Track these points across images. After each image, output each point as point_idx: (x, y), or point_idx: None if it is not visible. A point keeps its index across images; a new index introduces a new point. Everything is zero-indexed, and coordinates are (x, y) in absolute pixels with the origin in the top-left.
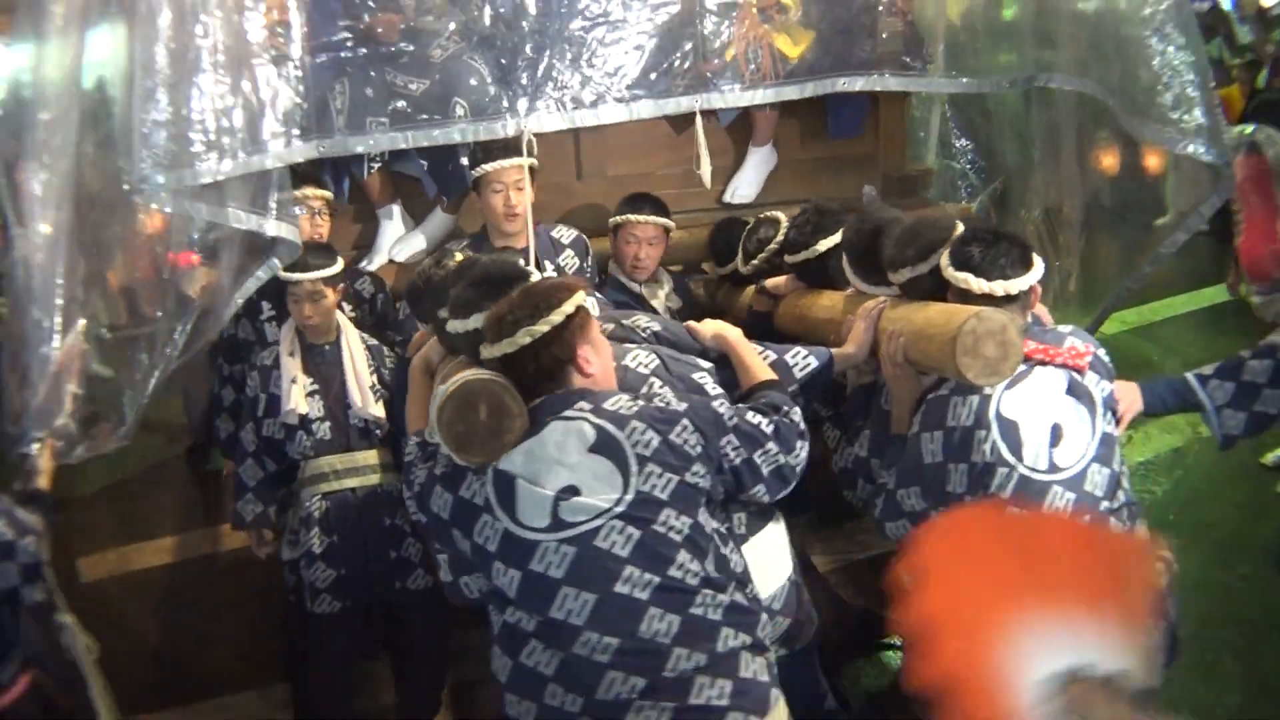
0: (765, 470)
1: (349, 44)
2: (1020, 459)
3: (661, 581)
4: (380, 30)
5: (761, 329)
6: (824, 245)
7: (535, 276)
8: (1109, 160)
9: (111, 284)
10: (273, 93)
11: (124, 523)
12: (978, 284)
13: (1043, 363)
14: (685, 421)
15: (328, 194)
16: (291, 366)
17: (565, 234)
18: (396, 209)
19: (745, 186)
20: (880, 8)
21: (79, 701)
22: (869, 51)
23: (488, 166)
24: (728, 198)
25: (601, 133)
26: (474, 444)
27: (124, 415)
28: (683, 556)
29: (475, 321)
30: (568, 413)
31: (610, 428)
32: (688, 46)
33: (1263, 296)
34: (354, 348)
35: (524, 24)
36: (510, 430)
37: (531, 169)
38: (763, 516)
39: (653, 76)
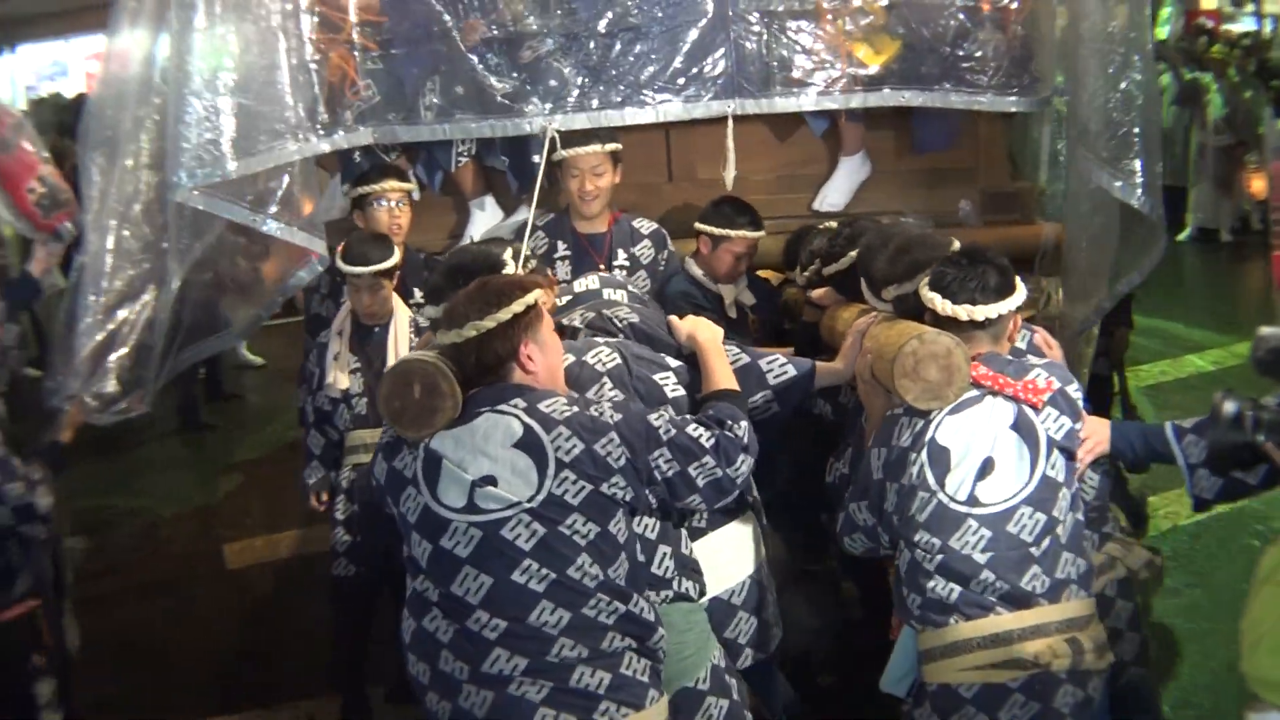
0: (701, 482)
1: (440, 41)
2: (942, 486)
3: (558, 578)
4: (471, 30)
5: (810, 339)
6: (852, 259)
7: (509, 269)
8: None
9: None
10: (302, 92)
11: (270, 509)
12: (943, 305)
13: (994, 392)
14: (613, 434)
15: (407, 186)
16: (336, 344)
17: (645, 225)
18: (489, 200)
19: (834, 195)
20: (980, 18)
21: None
22: (956, 64)
23: (565, 152)
24: (817, 205)
25: (692, 136)
26: (406, 419)
27: (147, 382)
28: (583, 559)
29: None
30: (501, 406)
31: (537, 428)
32: (719, 52)
33: None
34: (400, 330)
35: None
36: (440, 411)
37: (615, 155)
38: (726, 515)
39: (680, 81)
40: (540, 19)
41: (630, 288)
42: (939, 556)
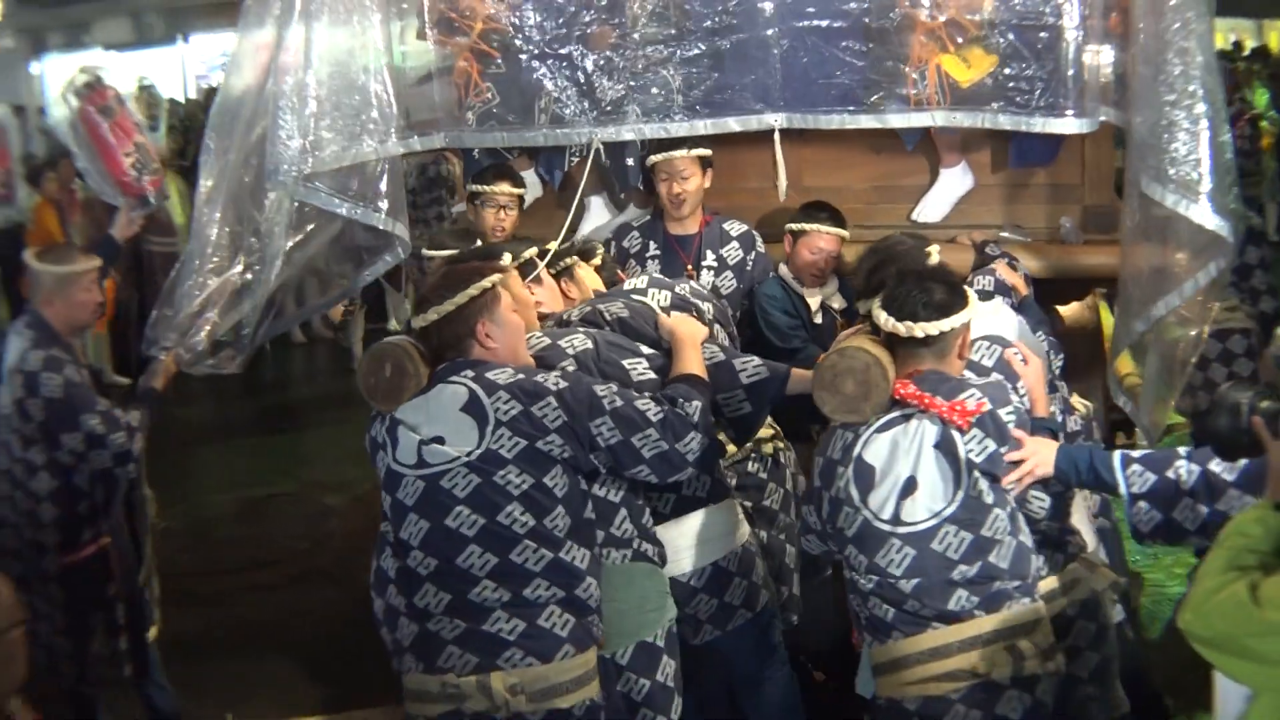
0: (647, 454)
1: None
2: (865, 503)
3: (487, 524)
4: (596, 39)
5: None
6: None
7: (505, 259)
8: None
9: None
10: (386, 96)
11: None
12: (885, 321)
13: (922, 411)
14: (551, 399)
15: (517, 191)
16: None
17: (735, 227)
18: (597, 199)
19: (931, 207)
20: (1029, 38)
21: (129, 568)
22: (1004, 85)
23: (656, 157)
24: (914, 216)
25: (800, 147)
26: (379, 395)
27: (242, 348)
28: (513, 507)
29: None
30: (454, 377)
31: (481, 392)
32: (761, 69)
33: None
34: None
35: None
36: (405, 388)
37: (703, 160)
38: (694, 503)
39: (719, 96)
40: (658, 27)
41: (680, 288)
42: (873, 578)
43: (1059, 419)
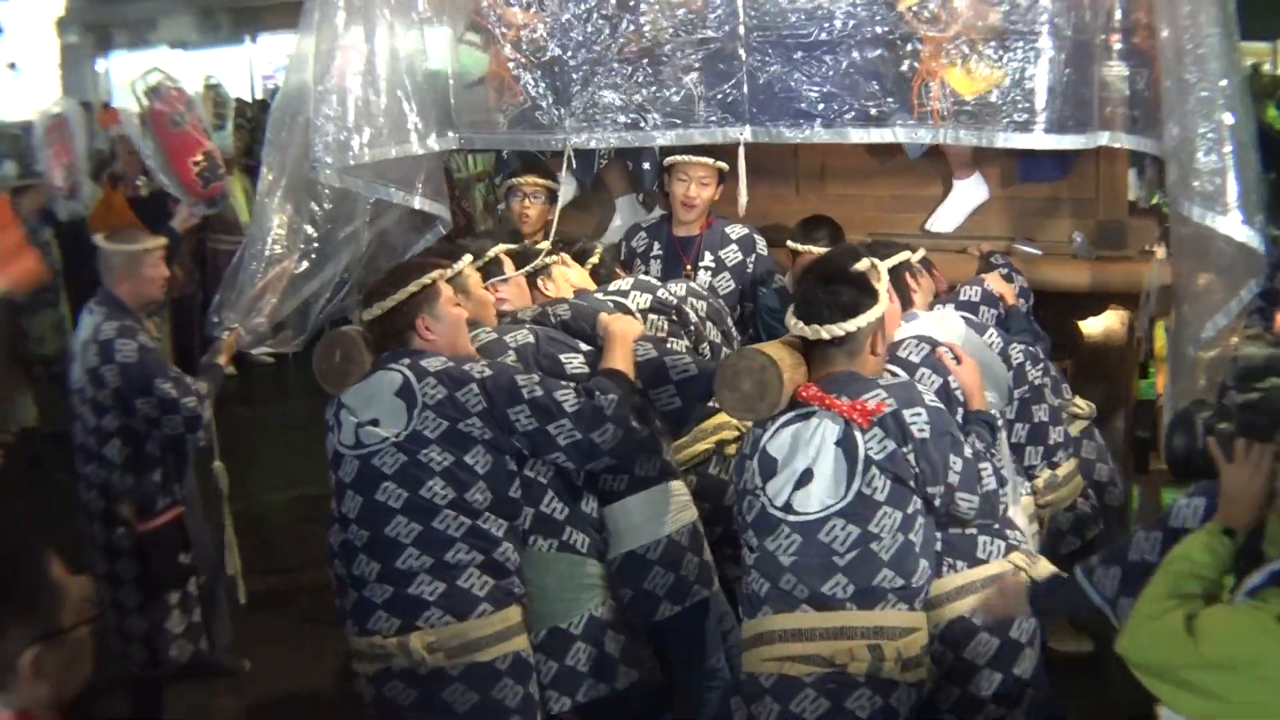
0: (562, 442)
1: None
2: (764, 490)
3: (410, 497)
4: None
5: None
6: None
7: (465, 259)
8: None
9: None
10: (420, 95)
11: None
12: (793, 324)
13: (826, 409)
14: (473, 386)
15: (544, 182)
16: None
17: (736, 230)
18: (626, 200)
19: (944, 218)
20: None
21: (201, 539)
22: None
23: (677, 158)
24: (927, 226)
25: (819, 155)
26: (329, 379)
27: (302, 329)
28: (435, 482)
29: None
30: (392, 365)
31: (412, 378)
32: (732, 81)
33: None
34: None
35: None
36: (350, 374)
37: (720, 172)
38: (645, 482)
39: (698, 107)
40: (683, 33)
41: (671, 289)
42: (756, 555)
43: (1000, 417)
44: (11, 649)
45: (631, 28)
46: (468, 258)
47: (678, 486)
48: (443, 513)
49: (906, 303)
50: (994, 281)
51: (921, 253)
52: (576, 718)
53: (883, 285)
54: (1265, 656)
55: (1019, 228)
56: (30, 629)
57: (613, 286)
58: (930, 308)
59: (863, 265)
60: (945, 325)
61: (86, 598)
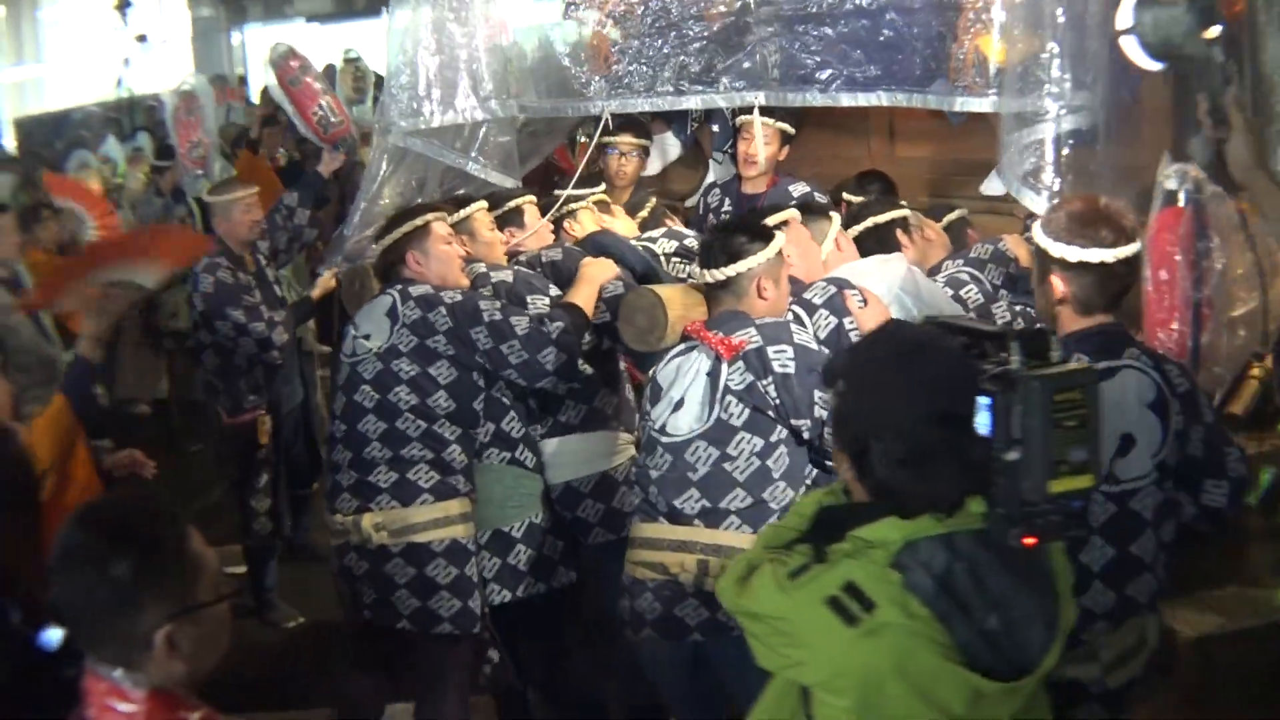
0: (513, 360)
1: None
2: (649, 414)
3: (381, 399)
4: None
5: None
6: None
7: (473, 207)
8: None
9: None
10: (479, 67)
11: None
12: (693, 269)
13: (702, 344)
14: (442, 308)
15: (637, 141)
16: None
17: (799, 188)
18: (718, 158)
19: (996, 181)
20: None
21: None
22: (943, 65)
23: (742, 119)
24: (982, 189)
25: (889, 118)
26: (350, 302)
27: None
28: (401, 389)
29: None
30: (389, 290)
31: (398, 301)
32: (745, 49)
33: None
34: None
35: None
36: (363, 298)
37: (784, 134)
38: (598, 422)
39: (711, 73)
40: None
41: (690, 241)
42: (638, 470)
43: None
44: (146, 625)
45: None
46: (478, 204)
47: (626, 436)
48: (404, 415)
49: None
50: (1012, 242)
51: (961, 212)
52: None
53: (783, 235)
54: (778, 610)
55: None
56: (167, 605)
57: (645, 234)
58: (936, 265)
59: (777, 217)
60: (879, 272)
61: (222, 575)
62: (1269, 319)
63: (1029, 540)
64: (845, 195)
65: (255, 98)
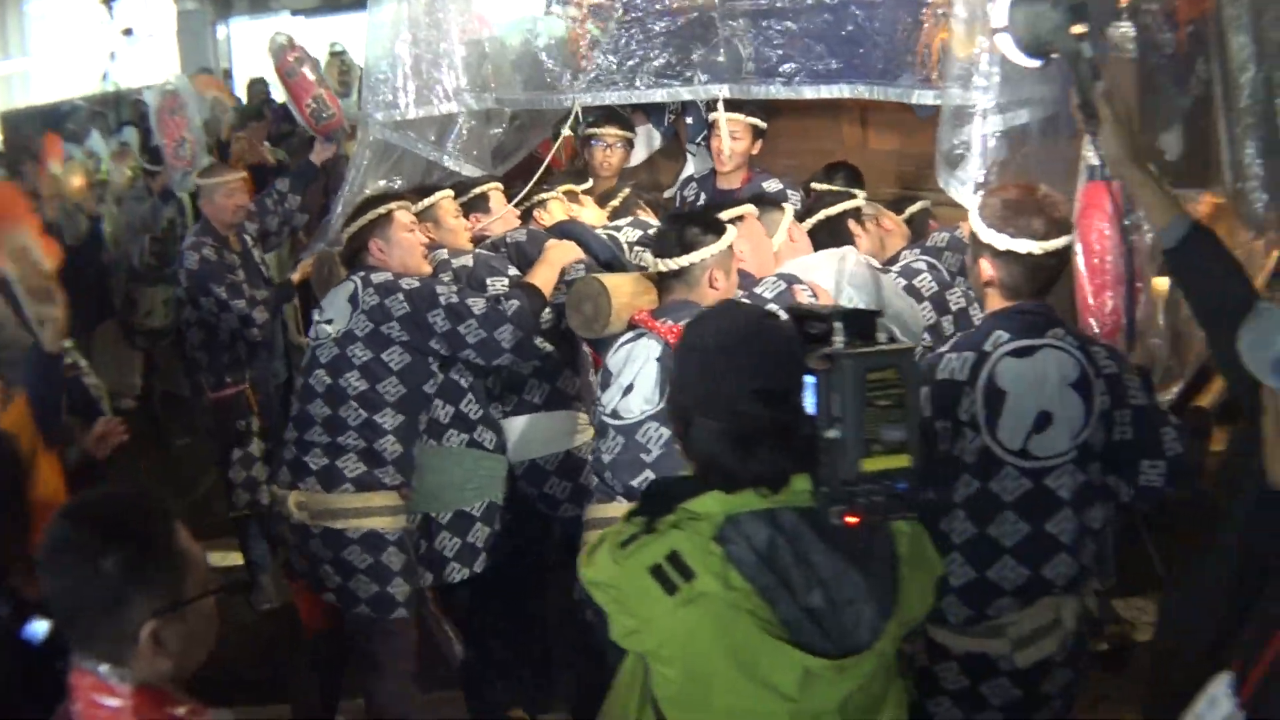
0: (470, 340)
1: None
2: (600, 399)
3: (331, 383)
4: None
5: None
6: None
7: (437, 195)
8: None
9: None
10: (457, 61)
11: None
12: (646, 259)
13: (650, 331)
14: (399, 295)
15: (621, 132)
16: None
17: (773, 184)
18: (693, 149)
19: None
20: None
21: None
22: (901, 59)
23: (713, 115)
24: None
25: (861, 111)
26: (318, 288)
27: None
28: (352, 374)
29: None
30: (352, 276)
31: (359, 286)
32: (711, 43)
33: None
34: None
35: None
36: (330, 284)
37: (755, 128)
38: (564, 401)
39: (678, 67)
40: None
41: (653, 230)
42: (593, 456)
43: None
44: (133, 621)
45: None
46: (442, 192)
47: (588, 417)
48: (349, 403)
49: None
50: (967, 229)
51: (924, 204)
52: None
53: (735, 229)
54: (611, 578)
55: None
56: (154, 600)
57: (612, 223)
58: (894, 254)
59: (732, 212)
60: (829, 266)
61: (208, 570)
62: None
63: (851, 519)
64: (813, 185)
65: (240, 91)
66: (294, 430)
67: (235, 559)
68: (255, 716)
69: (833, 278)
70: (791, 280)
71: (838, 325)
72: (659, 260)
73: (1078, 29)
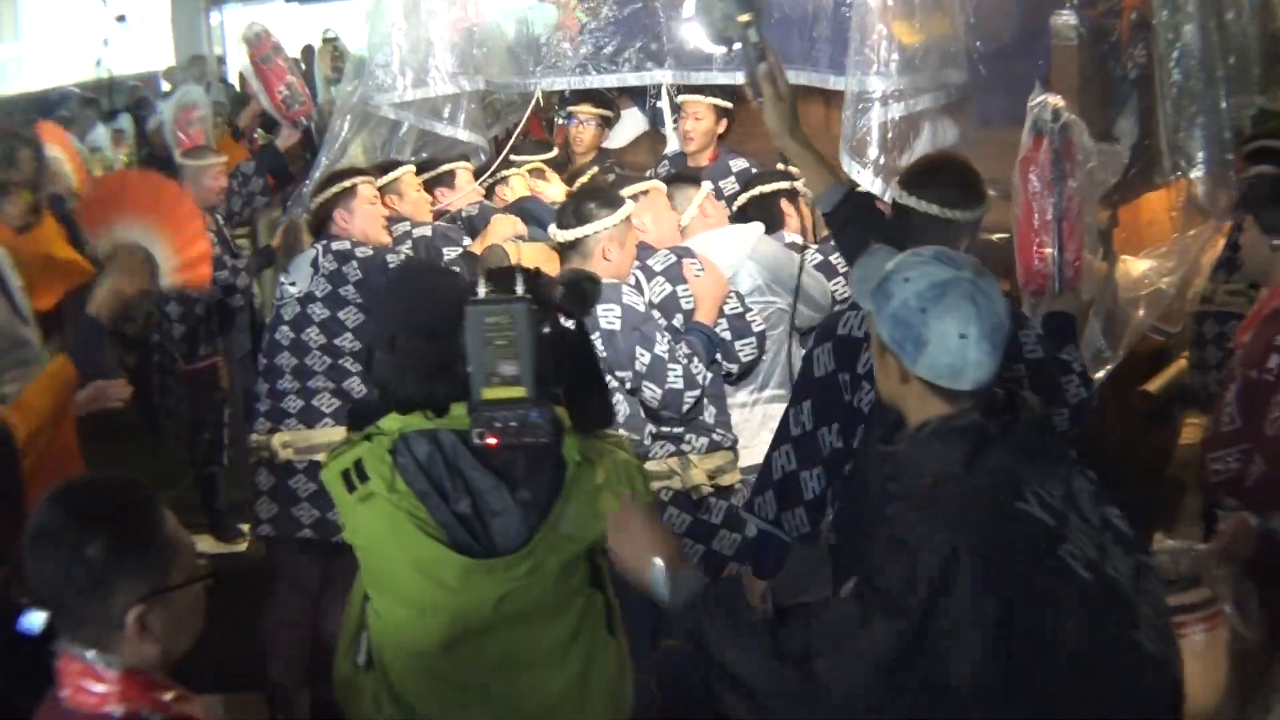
0: None
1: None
2: None
3: (295, 339)
4: None
5: None
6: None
7: (400, 170)
8: None
9: None
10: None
11: None
12: (551, 229)
13: None
14: (355, 261)
15: (595, 110)
16: None
17: (738, 163)
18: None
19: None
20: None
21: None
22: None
23: (682, 97)
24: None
25: (825, 93)
26: (285, 253)
27: None
28: (312, 329)
29: None
30: (316, 244)
31: (320, 253)
32: (652, 32)
33: None
34: None
35: None
36: (296, 250)
37: (718, 109)
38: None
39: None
40: None
41: None
42: None
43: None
44: (119, 606)
45: None
46: (405, 168)
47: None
48: (313, 352)
49: (777, 225)
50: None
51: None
52: None
53: (633, 203)
54: (325, 480)
55: (985, 170)
56: (139, 586)
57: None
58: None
59: (637, 187)
60: (730, 242)
61: (196, 556)
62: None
63: (490, 440)
64: (780, 165)
65: (233, 78)
66: (264, 382)
67: (224, 547)
68: (241, 701)
69: (732, 253)
70: (683, 254)
71: (482, 279)
72: (559, 231)
73: (744, 17)
